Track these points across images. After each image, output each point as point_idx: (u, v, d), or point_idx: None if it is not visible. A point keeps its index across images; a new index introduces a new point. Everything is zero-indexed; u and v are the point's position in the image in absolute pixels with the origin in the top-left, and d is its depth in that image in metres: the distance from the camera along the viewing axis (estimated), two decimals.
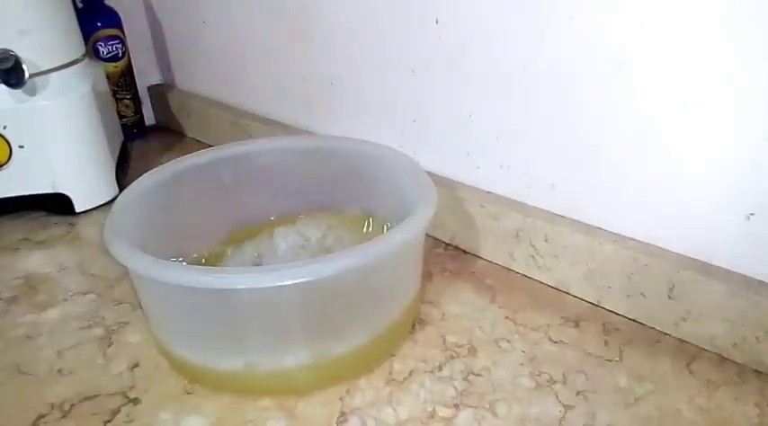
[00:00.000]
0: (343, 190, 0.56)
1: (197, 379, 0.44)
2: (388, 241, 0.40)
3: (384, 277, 0.43)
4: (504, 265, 0.55)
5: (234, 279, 0.38)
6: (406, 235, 0.41)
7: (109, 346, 0.48)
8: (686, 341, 0.45)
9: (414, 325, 0.48)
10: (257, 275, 0.38)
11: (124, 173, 0.75)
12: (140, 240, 0.42)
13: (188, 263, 0.51)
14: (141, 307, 0.48)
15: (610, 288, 0.48)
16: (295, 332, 0.42)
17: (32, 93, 0.62)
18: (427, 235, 0.58)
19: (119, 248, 0.40)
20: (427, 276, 0.54)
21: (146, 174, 0.51)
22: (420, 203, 0.44)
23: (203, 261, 0.53)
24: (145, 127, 0.90)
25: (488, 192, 0.56)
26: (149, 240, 0.44)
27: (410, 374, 0.44)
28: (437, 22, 0.53)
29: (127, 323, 0.50)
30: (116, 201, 0.47)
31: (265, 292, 0.38)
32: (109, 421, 0.41)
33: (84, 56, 0.68)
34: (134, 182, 0.50)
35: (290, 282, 0.37)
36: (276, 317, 0.41)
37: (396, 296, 0.45)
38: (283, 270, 0.37)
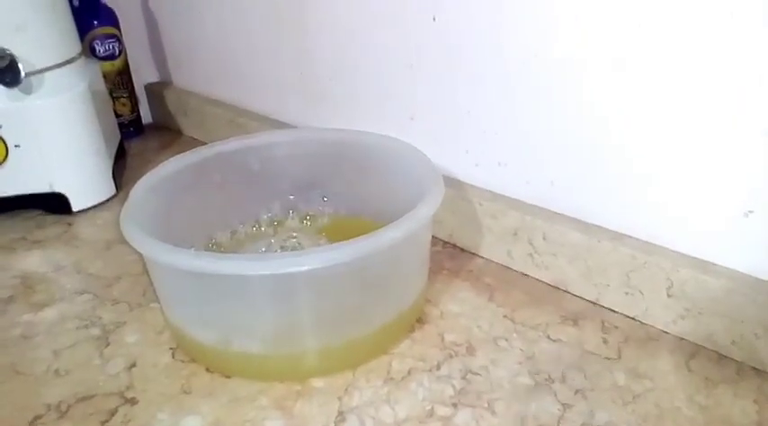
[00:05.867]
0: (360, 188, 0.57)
1: (207, 360, 0.45)
2: (402, 224, 0.42)
3: (397, 262, 0.45)
4: (502, 263, 0.55)
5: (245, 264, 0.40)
6: (418, 219, 0.43)
7: (106, 346, 0.47)
8: (685, 339, 0.45)
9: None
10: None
11: (121, 172, 0.75)
12: (152, 225, 0.44)
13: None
14: (155, 292, 0.49)
15: (608, 285, 0.48)
16: (309, 316, 0.43)
17: (28, 91, 0.62)
18: None
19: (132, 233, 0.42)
20: None
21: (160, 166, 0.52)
22: (432, 188, 0.46)
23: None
24: (142, 125, 0.89)
25: (487, 190, 0.55)
26: (162, 227, 0.46)
27: (408, 373, 0.44)
28: (434, 19, 0.53)
29: (124, 323, 0.50)
30: (131, 191, 0.48)
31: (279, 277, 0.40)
32: (106, 422, 0.40)
33: (80, 54, 0.68)
34: (146, 175, 0.51)
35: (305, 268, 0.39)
36: (291, 300, 0.43)
37: (405, 288, 0.46)
38: (293, 257, 0.40)
